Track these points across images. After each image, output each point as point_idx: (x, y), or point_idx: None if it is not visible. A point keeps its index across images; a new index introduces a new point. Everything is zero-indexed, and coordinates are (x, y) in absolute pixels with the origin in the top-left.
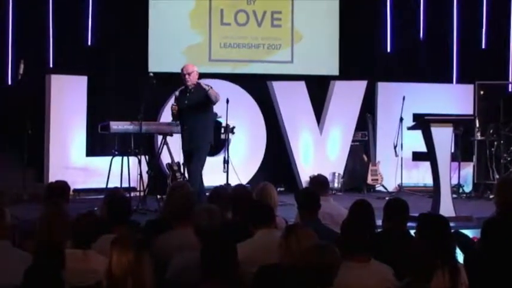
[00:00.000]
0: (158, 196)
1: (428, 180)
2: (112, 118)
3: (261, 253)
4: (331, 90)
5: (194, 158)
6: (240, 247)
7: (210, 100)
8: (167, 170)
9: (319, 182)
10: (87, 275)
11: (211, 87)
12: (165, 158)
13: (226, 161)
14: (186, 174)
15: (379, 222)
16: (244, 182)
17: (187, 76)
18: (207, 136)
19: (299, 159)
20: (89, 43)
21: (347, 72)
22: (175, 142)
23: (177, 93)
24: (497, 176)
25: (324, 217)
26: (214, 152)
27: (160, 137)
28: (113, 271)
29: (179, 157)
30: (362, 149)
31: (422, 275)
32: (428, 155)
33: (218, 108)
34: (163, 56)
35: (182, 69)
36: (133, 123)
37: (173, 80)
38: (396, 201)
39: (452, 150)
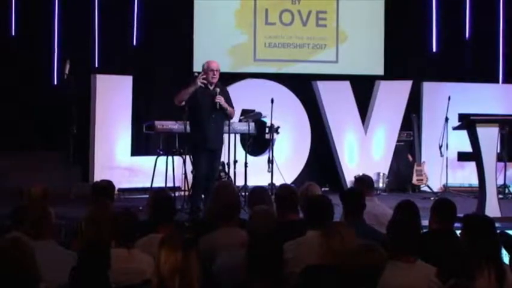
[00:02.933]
0: (202, 196)
1: (474, 181)
2: (157, 118)
3: (310, 253)
4: (376, 90)
5: (216, 160)
6: (288, 246)
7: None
8: None
9: (364, 182)
10: (132, 274)
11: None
12: None
13: (270, 161)
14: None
15: (424, 222)
16: (288, 181)
17: (216, 73)
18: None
19: (344, 159)
20: (134, 43)
21: (392, 72)
22: None
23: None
24: None
25: (368, 217)
26: (258, 152)
27: None
28: (161, 270)
29: (224, 157)
30: (407, 149)
31: (467, 275)
32: (473, 155)
33: (263, 108)
34: (208, 55)
35: (211, 65)
36: (178, 123)
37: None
38: (445, 201)
39: (498, 151)
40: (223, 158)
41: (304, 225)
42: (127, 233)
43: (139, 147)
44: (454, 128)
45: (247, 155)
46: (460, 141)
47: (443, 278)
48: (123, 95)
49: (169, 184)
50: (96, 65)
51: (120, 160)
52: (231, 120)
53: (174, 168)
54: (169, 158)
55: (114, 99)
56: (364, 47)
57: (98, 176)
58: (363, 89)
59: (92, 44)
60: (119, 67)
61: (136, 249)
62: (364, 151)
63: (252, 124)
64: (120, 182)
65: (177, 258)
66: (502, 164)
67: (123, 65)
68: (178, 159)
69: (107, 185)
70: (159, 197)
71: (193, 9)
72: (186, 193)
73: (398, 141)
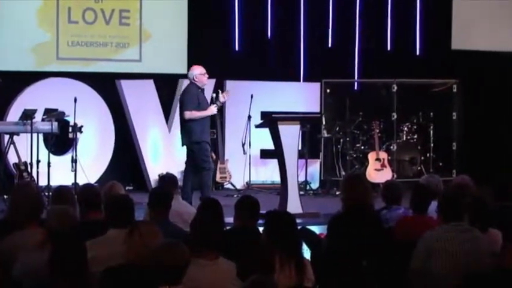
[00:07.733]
0: (5, 196)
1: (276, 178)
2: None
3: (111, 252)
4: (180, 88)
5: None
6: (90, 245)
7: None
8: (14, 170)
9: (168, 180)
10: None
11: None
12: (12, 158)
13: (74, 160)
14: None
15: (228, 219)
16: (92, 181)
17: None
18: None
19: (148, 158)
20: None
21: None
22: (22, 142)
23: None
24: (343, 173)
25: (172, 215)
26: (62, 151)
27: (7, 137)
28: None
29: (26, 157)
30: (210, 147)
31: (267, 271)
32: (276, 153)
33: (65, 107)
34: (10, 54)
35: (201, 70)
36: None
37: (20, 79)
38: (248, 199)
39: (300, 148)
40: (26, 157)
41: (107, 224)
42: None
43: None
44: (257, 126)
45: (50, 155)
46: (263, 138)
47: (245, 274)
48: None
49: None
50: None
51: None
52: (34, 120)
53: None
54: None
55: None
56: (167, 46)
57: None
58: (167, 88)
59: None
60: None
61: None
62: (168, 149)
63: (55, 123)
64: None
65: None
66: (303, 160)
67: None
68: None
69: None
70: None
71: None
72: None
73: None
